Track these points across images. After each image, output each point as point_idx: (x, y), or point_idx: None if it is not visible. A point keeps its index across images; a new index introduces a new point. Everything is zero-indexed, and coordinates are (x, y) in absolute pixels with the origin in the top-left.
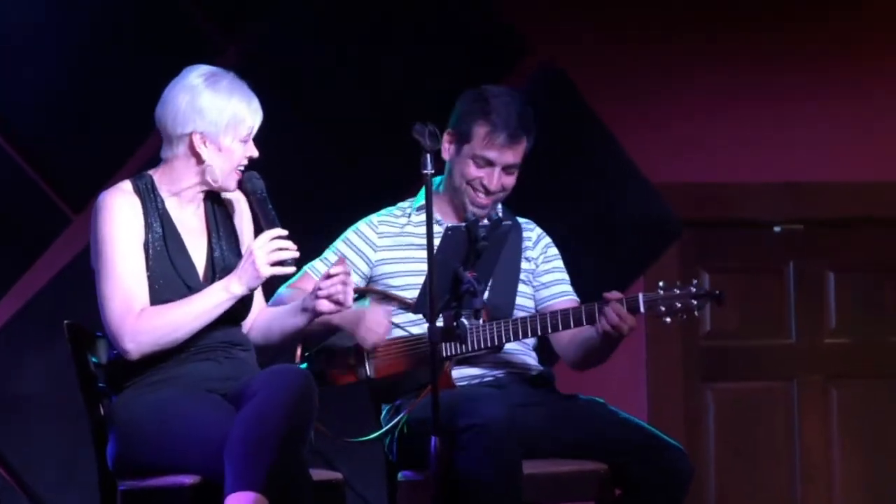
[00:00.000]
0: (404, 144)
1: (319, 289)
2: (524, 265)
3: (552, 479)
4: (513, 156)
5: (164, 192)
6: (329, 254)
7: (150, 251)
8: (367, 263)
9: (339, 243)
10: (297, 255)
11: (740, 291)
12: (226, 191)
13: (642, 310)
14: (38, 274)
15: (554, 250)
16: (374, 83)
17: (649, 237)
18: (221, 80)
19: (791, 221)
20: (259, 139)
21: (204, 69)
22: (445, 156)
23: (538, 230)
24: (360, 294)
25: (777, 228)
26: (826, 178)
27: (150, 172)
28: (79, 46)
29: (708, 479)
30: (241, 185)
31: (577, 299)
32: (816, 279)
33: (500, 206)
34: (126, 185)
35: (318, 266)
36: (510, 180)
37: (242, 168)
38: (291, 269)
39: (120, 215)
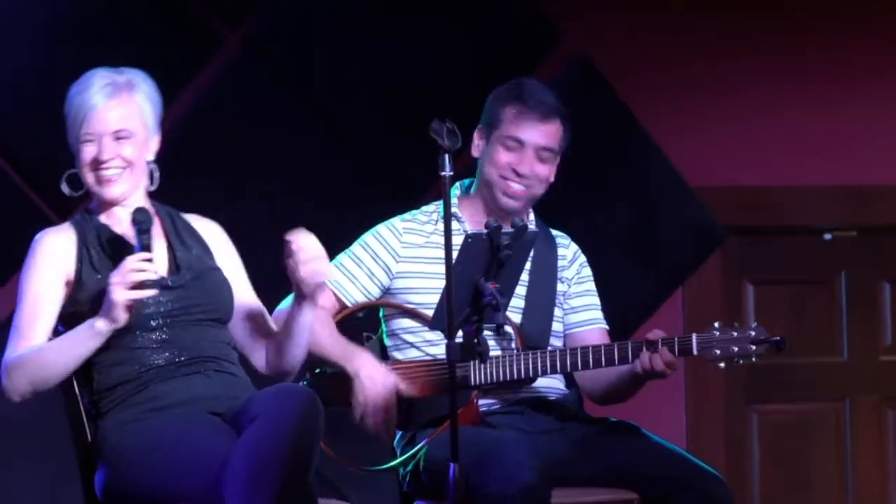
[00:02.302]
0: (422, 143)
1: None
2: (559, 287)
3: None
4: (544, 137)
5: (100, 206)
6: (344, 258)
7: (88, 278)
8: (386, 274)
9: (356, 247)
10: (155, 276)
11: (787, 304)
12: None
13: (695, 352)
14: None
15: (588, 271)
16: (390, 75)
17: (689, 245)
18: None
19: (843, 228)
20: (261, 136)
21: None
22: (476, 153)
23: (574, 247)
24: (372, 308)
25: (828, 235)
26: (881, 181)
27: None
28: (69, 39)
29: None
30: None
31: (607, 327)
32: (870, 290)
33: (533, 216)
34: (64, 225)
35: (332, 271)
36: (544, 169)
37: (108, 172)
38: (152, 293)
39: (41, 253)
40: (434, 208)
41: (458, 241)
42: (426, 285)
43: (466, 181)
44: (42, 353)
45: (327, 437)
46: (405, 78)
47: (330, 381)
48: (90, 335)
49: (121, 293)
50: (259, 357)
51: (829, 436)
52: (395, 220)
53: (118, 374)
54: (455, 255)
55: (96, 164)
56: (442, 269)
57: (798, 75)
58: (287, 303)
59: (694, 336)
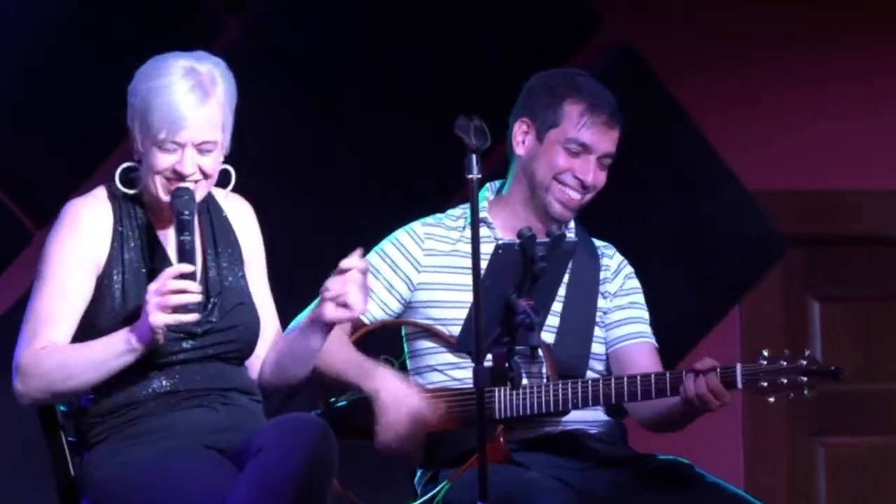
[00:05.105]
0: (442, 141)
1: (326, 289)
2: (600, 303)
3: None
4: (610, 143)
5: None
6: None
7: (124, 270)
8: (407, 285)
9: (372, 256)
10: (199, 298)
11: (859, 323)
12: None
13: (740, 385)
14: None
15: (634, 282)
16: (395, 64)
17: (746, 257)
18: (168, 60)
19: None
20: (260, 125)
21: (195, 53)
22: (520, 150)
23: (618, 257)
24: (394, 328)
25: None
26: None
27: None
28: (54, 30)
29: None
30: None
31: (655, 344)
32: None
33: (572, 223)
34: (99, 192)
35: None
36: (602, 177)
37: (176, 181)
38: (192, 317)
39: (74, 232)
40: (461, 212)
41: (487, 250)
42: (451, 298)
43: (497, 182)
44: (67, 363)
45: (341, 472)
46: (411, 68)
47: (346, 411)
48: (126, 350)
49: (158, 317)
50: (253, 367)
51: None
52: (416, 225)
53: (112, 401)
54: (484, 267)
55: (172, 174)
56: (469, 280)
57: (868, 69)
58: (302, 318)
59: (738, 367)
